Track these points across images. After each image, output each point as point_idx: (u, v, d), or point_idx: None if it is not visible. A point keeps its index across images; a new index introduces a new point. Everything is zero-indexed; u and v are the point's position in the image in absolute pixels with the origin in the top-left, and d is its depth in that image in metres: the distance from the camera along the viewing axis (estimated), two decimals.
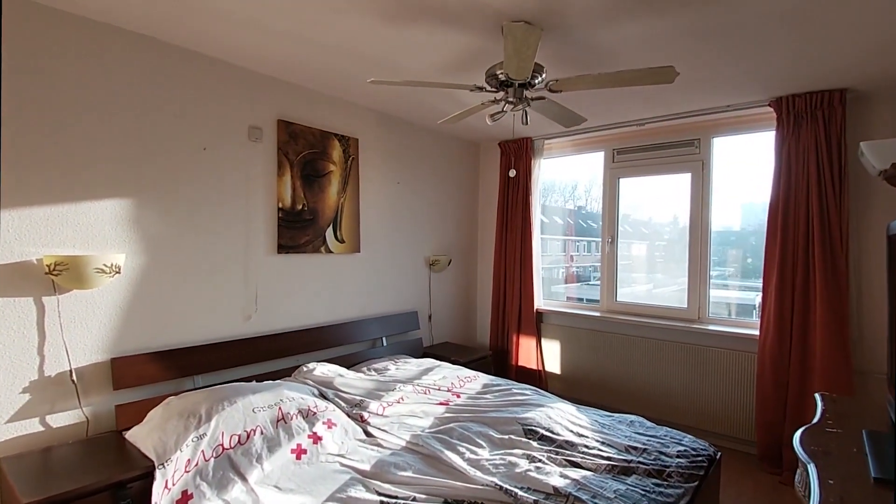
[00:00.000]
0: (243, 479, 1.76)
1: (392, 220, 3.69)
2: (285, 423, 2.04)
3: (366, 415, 2.30)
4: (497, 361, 4.22)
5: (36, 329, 2.01)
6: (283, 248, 2.90)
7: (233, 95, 2.65)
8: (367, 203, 3.45)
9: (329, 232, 3.17)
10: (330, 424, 2.12)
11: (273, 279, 2.88)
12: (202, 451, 1.83)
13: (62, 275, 1.99)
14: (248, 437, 1.93)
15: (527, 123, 2.23)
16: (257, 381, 2.60)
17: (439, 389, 2.67)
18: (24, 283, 1.97)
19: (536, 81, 2.16)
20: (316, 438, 2.04)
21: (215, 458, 1.82)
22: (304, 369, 2.71)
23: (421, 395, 2.58)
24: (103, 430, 2.17)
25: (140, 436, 2.00)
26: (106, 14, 2.09)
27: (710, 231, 3.54)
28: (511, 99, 2.13)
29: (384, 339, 3.52)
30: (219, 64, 2.58)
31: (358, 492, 1.72)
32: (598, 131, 3.83)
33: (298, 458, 1.93)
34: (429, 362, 3.17)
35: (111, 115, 2.20)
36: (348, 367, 3.02)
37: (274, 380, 2.69)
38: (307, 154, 3.02)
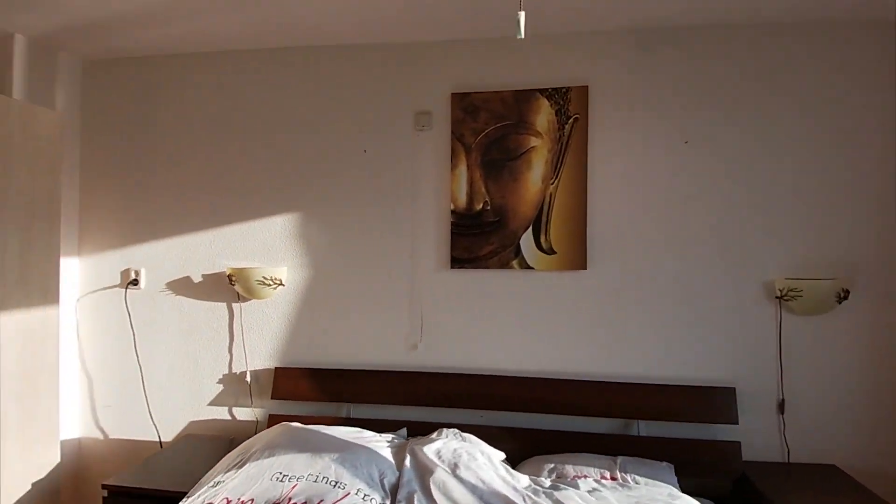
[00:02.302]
0: None
1: (663, 213, 2.05)
2: None
3: None
4: None
5: (227, 330, 2.35)
6: (457, 261, 2.16)
7: (393, 80, 2.24)
8: (601, 188, 2.08)
9: (527, 238, 2.11)
10: None
11: (445, 301, 2.20)
12: None
13: (237, 285, 2.24)
14: None
15: None
16: (394, 433, 2.02)
17: None
18: (219, 290, 2.33)
19: None
20: None
21: None
22: (434, 436, 1.87)
23: None
24: None
25: None
26: (236, 42, 2.26)
27: None
28: None
29: (639, 423, 1.99)
30: (374, 49, 2.24)
31: None
32: None
33: None
34: None
35: (271, 136, 2.32)
36: (522, 460, 1.87)
37: (428, 433, 2.01)
38: (492, 131, 2.14)
